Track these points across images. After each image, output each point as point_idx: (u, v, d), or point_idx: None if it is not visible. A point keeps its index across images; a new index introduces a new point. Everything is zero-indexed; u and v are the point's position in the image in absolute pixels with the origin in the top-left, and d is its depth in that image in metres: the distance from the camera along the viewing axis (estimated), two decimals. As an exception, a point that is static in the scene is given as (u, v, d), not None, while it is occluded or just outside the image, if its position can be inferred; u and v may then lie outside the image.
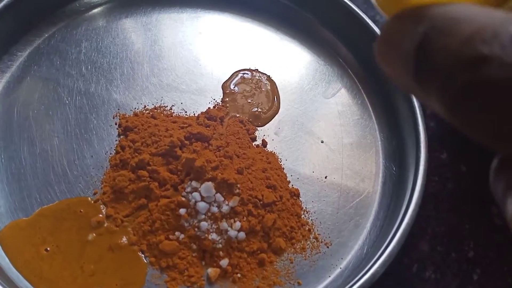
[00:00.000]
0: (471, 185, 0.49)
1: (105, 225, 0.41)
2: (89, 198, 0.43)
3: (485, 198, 0.48)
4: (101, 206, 0.42)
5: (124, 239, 0.41)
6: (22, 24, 0.50)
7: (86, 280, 0.39)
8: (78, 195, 0.43)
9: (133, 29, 0.53)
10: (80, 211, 0.42)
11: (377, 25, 0.52)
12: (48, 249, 0.40)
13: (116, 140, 0.46)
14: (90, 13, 0.53)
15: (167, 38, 0.53)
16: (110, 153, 0.45)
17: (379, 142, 0.49)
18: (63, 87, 0.48)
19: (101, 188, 0.43)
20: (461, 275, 0.44)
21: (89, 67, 0.50)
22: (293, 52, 0.55)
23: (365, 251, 0.42)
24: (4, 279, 0.37)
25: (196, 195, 0.41)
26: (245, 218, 0.41)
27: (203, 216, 0.40)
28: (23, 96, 0.48)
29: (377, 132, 0.50)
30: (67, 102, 0.48)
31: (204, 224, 0.40)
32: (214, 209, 0.41)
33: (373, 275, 0.37)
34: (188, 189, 0.41)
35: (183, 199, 0.41)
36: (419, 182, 0.42)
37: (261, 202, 0.42)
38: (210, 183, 0.41)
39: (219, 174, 0.41)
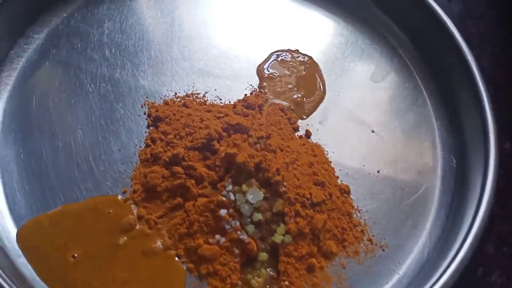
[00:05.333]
0: (539, 178, 0.44)
1: (137, 227, 0.37)
2: (119, 197, 0.39)
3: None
4: (132, 205, 0.38)
5: (159, 243, 0.37)
6: (38, 2, 0.46)
7: (119, 289, 0.35)
8: (106, 193, 0.39)
9: (159, 6, 0.48)
10: (109, 212, 0.38)
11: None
12: (76, 255, 0.36)
13: (145, 132, 0.42)
14: (113, -11, 0.48)
15: (197, 17, 0.48)
16: (140, 146, 0.41)
17: (436, 131, 0.44)
18: (85, 73, 0.44)
19: (131, 186, 0.39)
20: (532, 280, 0.40)
21: (113, 50, 0.45)
22: (337, 31, 0.49)
23: (426, 254, 0.38)
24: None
25: (240, 196, 0.36)
26: (292, 220, 0.37)
27: (248, 220, 0.36)
28: (42, 83, 0.43)
29: (434, 119, 0.45)
30: (90, 89, 0.43)
31: (250, 227, 0.36)
32: (258, 215, 0.36)
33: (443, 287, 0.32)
34: (229, 188, 0.37)
35: (224, 198, 0.37)
36: (489, 179, 0.37)
37: (309, 201, 0.37)
38: (257, 189, 0.36)
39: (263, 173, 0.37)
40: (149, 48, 0.46)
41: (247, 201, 0.37)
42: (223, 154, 0.38)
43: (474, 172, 0.39)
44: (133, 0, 0.48)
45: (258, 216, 0.37)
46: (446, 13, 0.45)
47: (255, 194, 0.37)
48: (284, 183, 0.37)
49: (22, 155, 0.40)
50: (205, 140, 0.38)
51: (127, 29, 0.47)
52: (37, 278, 0.35)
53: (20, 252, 0.36)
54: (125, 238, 0.37)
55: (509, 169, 0.44)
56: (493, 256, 0.40)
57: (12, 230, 0.37)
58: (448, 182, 0.41)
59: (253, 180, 0.37)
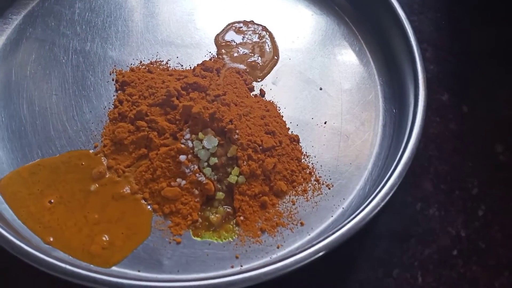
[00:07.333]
0: (474, 125, 0.48)
1: (107, 176, 0.42)
2: (90, 151, 0.43)
3: (489, 137, 0.48)
4: (102, 158, 0.43)
5: (127, 188, 0.41)
6: (15, -13, 0.51)
7: (91, 229, 0.39)
8: (79, 148, 0.43)
9: (126, -12, 0.53)
10: (82, 164, 0.42)
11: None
12: (52, 201, 0.40)
13: (113, 95, 0.46)
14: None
15: (160, -5, 0.53)
16: (109, 108, 0.45)
17: (379, 87, 0.49)
18: (59, 47, 0.49)
19: (101, 142, 0.43)
20: (466, 211, 0.44)
21: (84, 26, 0.50)
22: (288, 2, 0.54)
23: (367, 190, 0.42)
24: (10, 230, 0.37)
25: (197, 143, 0.41)
26: (245, 163, 0.41)
27: (205, 164, 0.41)
28: (20, 57, 0.48)
29: (376, 76, 0.49)
30: (63, 61, 0.48)
31: (207, 170, 0.41)
32: (214, 159, 0.41)
33: (374, 207, 0.37)
34: (187, 136, 0.41)
35: (183, 146, 0.41)
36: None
37: (261, 147, 0.42)
38: (212, 136, 0.41)
39: (218, 123, 0.41)
40: (116, 23, 0.50)
41: (203, 147, 0.41)
42: (181, 108, 0.42)
43: (408, 117, 0.43)
44: (102, -18, 0.53)
45: (214, 160, 0.41)
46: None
47: (210, 140, 0.41)
48: (237, 131, 0.42)
49: (3, 119, 0.44)
50: (165, 97, 0.43)
51: (96, 8, 0.51)
52: (18, 221, 0.39)
53: (1, 199, 0.40)
54: (96, 185, 0.41)
55: (445, 117, 0.48)
56: (431, 193, 0.45)
57: (-5, 183, 0.41)
58: (388, 128, 0.46)
59: (209, 129, 0.42)
